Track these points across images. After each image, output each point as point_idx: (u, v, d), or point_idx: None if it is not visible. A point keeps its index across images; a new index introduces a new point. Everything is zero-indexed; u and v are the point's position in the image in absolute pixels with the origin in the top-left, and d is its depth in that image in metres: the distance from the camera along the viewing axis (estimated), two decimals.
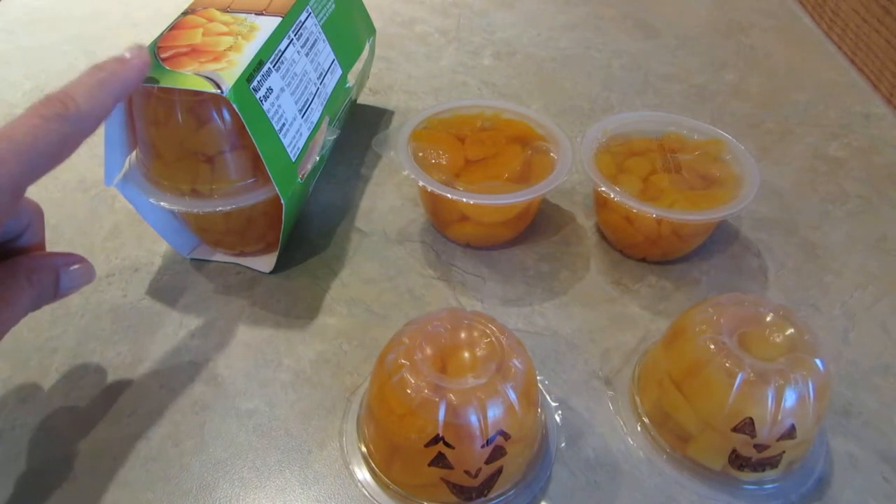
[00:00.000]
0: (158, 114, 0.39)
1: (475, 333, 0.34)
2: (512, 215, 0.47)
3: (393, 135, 0.48)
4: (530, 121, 0.50)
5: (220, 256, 0.47)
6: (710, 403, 0.34)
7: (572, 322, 0.44)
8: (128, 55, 0.35)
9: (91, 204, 0.51)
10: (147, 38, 0.42)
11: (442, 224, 0.49)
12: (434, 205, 0.48)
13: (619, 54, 0.71)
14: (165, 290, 0.45)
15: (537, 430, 0.36)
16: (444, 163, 0.46)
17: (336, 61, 0.50)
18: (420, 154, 0.47)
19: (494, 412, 0.31)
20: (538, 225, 0.51)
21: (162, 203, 0.42)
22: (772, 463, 0.35)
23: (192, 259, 0.47)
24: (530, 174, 0.46)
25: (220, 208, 0.42)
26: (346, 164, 0.56)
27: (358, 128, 0.59)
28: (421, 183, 0.44)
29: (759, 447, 0.34)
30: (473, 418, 0.31)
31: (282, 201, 0.41)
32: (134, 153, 0.43)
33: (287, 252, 0.48)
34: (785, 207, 0.53)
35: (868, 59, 0.68)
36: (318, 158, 0.46)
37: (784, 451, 0.34)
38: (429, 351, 0.33)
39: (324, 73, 0.48)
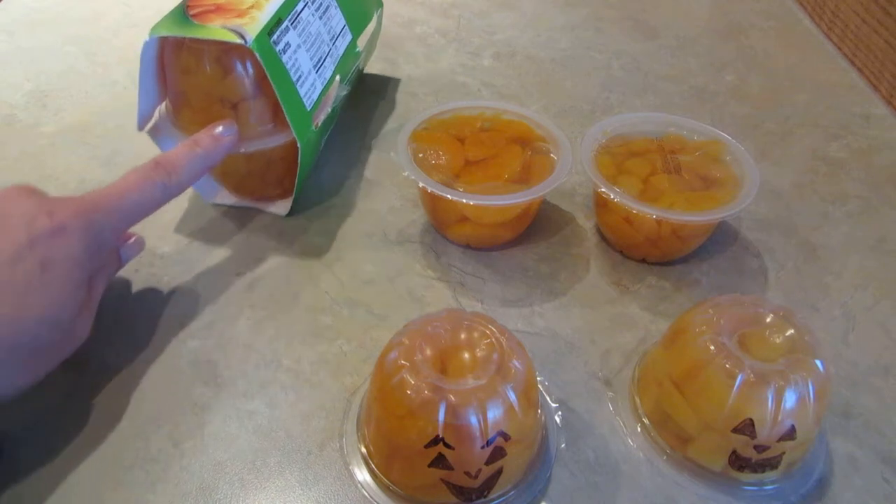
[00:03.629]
0: (189, 63, 0.44)
1: (475, 334, 0.34)
2: (512, 216, 0.47)
3: (393, 136, 0.48)
4: (530, 121, 0.50)
5: (239, 201, 0.51)
6: (710, 404, 0.34)
7: (572, 323, 0.44)
8: (220, 129, 0.42)
9: None
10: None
11: (442, 225, 0.49)
12: (434, 206, 0.48)
13: (619, 55, 0.71)
14: (165, 290, 0.45)
15: (537, 430, 0.36)
16: (444, 163, 0.46)
17: (347, 27, 0.55)
18: (420, 155, 0.47)
19: (494, 413, 0.31)
20: (538, 226, 0.51)
21: None
22: (772, 464, 0.35)
23: (213, 204, 0.51)
24: (530, 175, 0.46)
25: (244, 150, 0.46)
26: (346, 164, 0.56)
27: (358, 128, 0.59)
28: (421, 184, 0.44)
29: (759, 448, 0.34)
30: (473, 419, 0.31)
31: (298, 145, 0.45)
32: (163, 105, 0.48)
33: (287, 253, 0.48)
34: (785, 208, 0.53)
35: (868, 60, 0.68)
36: (329, 110, 0.51)
37: (784, 452, 0.34)
38: (428, 352, 0.33)
39: (336, 36, 0.53)
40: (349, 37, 0.55)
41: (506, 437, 0.32)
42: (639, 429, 0.38)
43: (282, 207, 0.51)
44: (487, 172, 0.46)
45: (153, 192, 0.39)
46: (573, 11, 0.78)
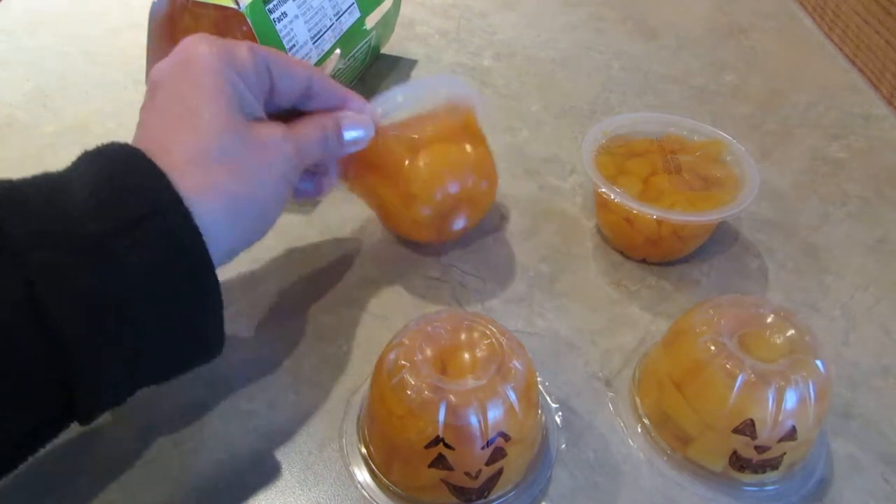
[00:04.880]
0: (189, 25, 0.48)
1: (475, 334, 0.34)
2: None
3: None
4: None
5: None
6: (710, 405, 0.34)
7: (572, 323, 0.44)
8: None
9: None
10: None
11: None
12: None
13: (619, 55, 0.71)
14: None
15: (537, 431, 0.36)
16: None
17: (355, 4, 0.57)
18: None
19: (494, 413, 0.31)
20: (538, 226, 0.51)
21: None
22: (772, 464, 0.35)
23: None
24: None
25: None
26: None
27: None
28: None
29: (760, 449, 0.34)
30: (473, 419, 0.31)
31: None
32: None
33: (286, 252, 0.48)
34: (785, 209, 0.53)
35: (868, 61, 0.68)
36: None
37: (785, 453, 0.34)
38: (429, 352, 0.33)
39: (341, 13, 0.55)
40: (357, 14, 0.57)
41: (506, 437, 0.32)
42: (639, 429, 0.38)
43: None
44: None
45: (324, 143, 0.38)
46: (573, 11, 0.78)
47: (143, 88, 0.51)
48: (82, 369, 0.27)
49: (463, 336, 0.34)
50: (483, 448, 0.32)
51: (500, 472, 0.33)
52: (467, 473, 0.32)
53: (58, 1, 0.75)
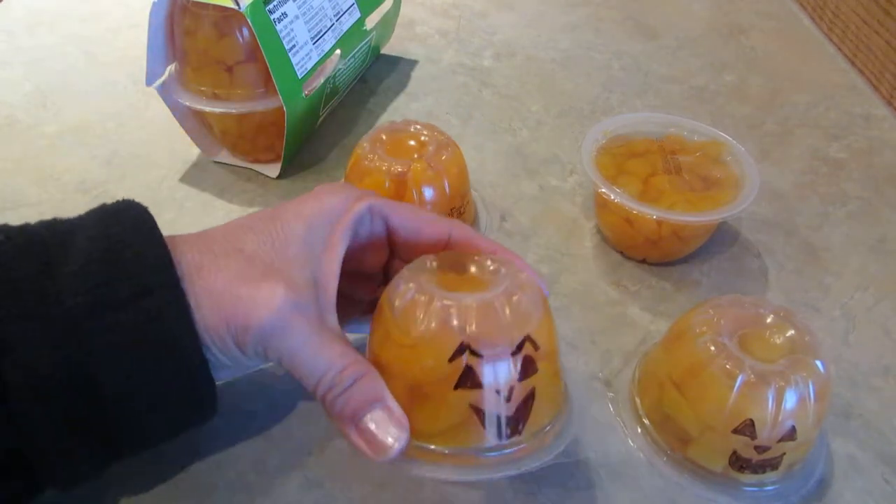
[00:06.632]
0: (189, 25, 0.48)
1: (480, 262, 0.34)
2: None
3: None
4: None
5: (237, 161, 0.55)
6: (710, 405, 0.34)
7: (572, 323, 0.44)
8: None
9: (91, 205, 0.51)
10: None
11: None
12: None
13: (619, 56, 0.71)
14: None
15: (558, 359, 0.34)
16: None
17: (355, 5, 0.57)
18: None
19: (516, 313, 0.30)
20: (538, 226, 0.51)
21: (187, 102, 0.50)
22: (772, 464, 0.35)
23: (214, 162, 0.55)
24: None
25: (235, 110, 0.50)
26: (345, 165, 0.56)
27: (358, 128, 0.60)
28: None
29: (760, 449, 0.34)
30: (496, 318, 0.30)
31: (284, 109, 0.48)
32: (174, 64, 0.52)
33: None
34: (785, 209, 0.53)
35: (868, 61, 0.68)
36: (322, 80, 0.53)
37: (784, 453, 0.34)
38: (435, 265, 0.33)
39: (341, 13, 0.55)
40: (357, 15, 0.57)
41: (534, 344, 0.30)
42: (639, 429, 0.38)
43: (273, 170, 0.54)
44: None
45: None
46: (573, 12, 0.78)
47: (143, 88, 0.51)
48: (36, 447, 0.27)
49: (473, 269, 0.34)
50: (513, 353, 0.30)
51: (532, 397, 0.31)
52: (498, 392, 0.30)
53: (58, 1, 0.75)
